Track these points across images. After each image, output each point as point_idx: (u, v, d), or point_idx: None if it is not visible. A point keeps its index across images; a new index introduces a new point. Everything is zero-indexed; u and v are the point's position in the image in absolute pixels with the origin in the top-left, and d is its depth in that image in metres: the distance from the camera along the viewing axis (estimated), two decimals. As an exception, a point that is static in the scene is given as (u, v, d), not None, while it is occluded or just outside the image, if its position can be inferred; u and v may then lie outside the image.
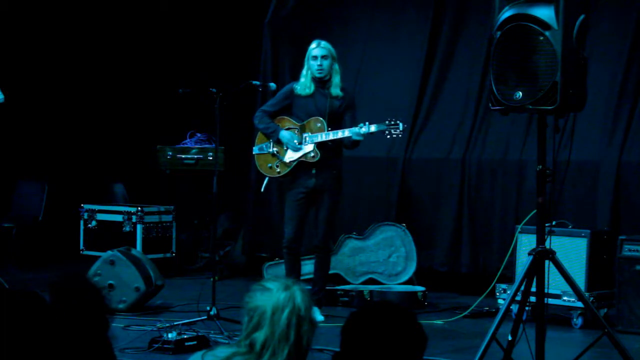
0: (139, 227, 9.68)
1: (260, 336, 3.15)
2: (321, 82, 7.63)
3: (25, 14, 10.62)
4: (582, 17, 5.39)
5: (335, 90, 7.60)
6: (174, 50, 10.90)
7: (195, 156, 10.02)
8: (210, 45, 10.73)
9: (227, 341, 6.63)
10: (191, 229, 10.48)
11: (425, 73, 9.45)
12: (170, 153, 10.11)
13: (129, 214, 9.75)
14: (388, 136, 7.52)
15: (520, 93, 5.37)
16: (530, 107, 5.42)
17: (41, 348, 2.83)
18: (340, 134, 7.50)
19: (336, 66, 7.64)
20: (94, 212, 9.96)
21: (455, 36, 9.39)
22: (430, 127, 9.40)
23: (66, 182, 10.58)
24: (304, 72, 7.68)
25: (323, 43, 7.65)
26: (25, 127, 10.52)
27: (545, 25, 5.29)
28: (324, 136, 7.55)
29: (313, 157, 7.58)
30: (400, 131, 7.50)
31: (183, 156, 10.07)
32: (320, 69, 7.57)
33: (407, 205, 9.31)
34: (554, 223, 6.54)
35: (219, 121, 7.51)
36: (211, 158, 9.81)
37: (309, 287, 7.98)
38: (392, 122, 7.48)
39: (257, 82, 8.13)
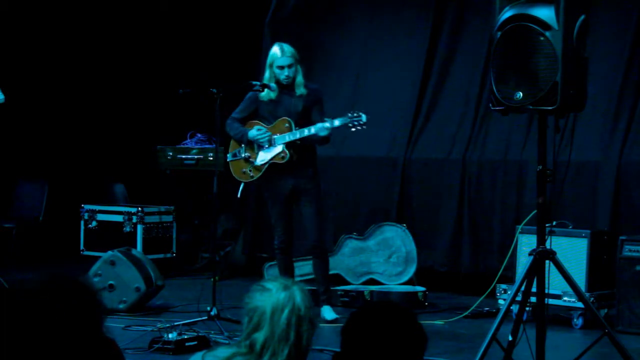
0: (139, 228, 9.68)
1: (260, 336, 3.16)
2: (285, 84, 7.63)
3: (25, 14, 10.62)
4: (582, 17, 5.39)
5: (300, 89, 7.58)
6: (174, 50, 10.90)
7: (196, 156, 10.03)
8: (210, 45, 10.72)
9: (227, 341, 6.63)
10: (191, 229, 10.48)
11: (426, 73, 9.44)
12: (171, 153, 10.11)
13: (130, 214, 9.75)
14: (352, 129, 7.44)
15: (521, 93, 5.37)
16: (531, 107, 5.42)
17: (40, 347, 2.83)
18: (307, 131, 7.48)
19: (298, 67, 7.59)
20: (94, 212, 9.96)
21: (455, 36, 9.39)
22: (431, 127, 9.39)
23: (66, 182, 10.58)
24: (266, 76, 7.61)
25: (286, 49, 7.57)
26: (25, 127, 10.52)
27: (545, 25, 5.29)
28: (291, 136, 7.54)
29: (282, 157, 7.57)
30: (364, 122, 7.39)
31: (183, 156, 10.07)
32: (288, 78, 7.56)
33: (407, 205, 9.31)
34: (554, 223, 6.54)
35: (219, 121, 7.51)
36: (211, 158, 9.81)
37: (309, 287, 7.98)
38: (355, 115, 7.42)
39: (257, 82, 8.12)
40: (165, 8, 10.97)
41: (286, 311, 3.16)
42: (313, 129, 7.45)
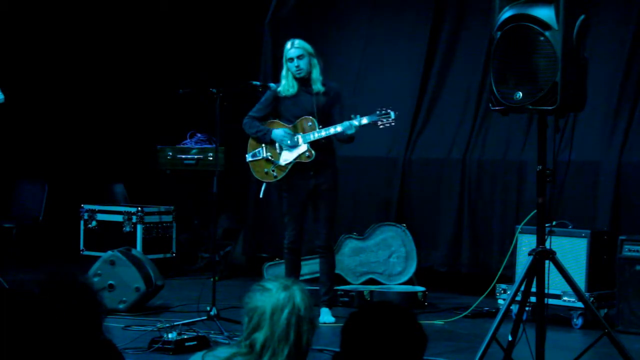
0: (139, 228, 9.68)
1: (260, 337, 3.15)
2: (302, 81, 7.58)
3: (25, 14, 10.62)
4: (582, 17, 5.39)
5: (317, 86, 7.55)
6: (174, 50, 10.90)
7: (196, 156, 10.03)
8: (210, 45, 10.72)
9: (227, 341, 6.63)
10: (191, 229, 10.48)
11: (426, 73, 9.44)
12: (171, 153, 10.11)
13: (129, 214, 9.75)
14: (381, 126, 7.44)
15: (521, 93, 5.37)
16: (531, 107, 5.42)
17: (41, 347, 2.83)
18: (333, 130, 7.45)
19: (314, 61, 7.55)
20: (94, 212, 9.96)
21: (455, 36, 9.39)
22: (431, 127, 9.39)
23: (66, 182, 10.57)
24: (283, 73, 7.60)
25: (297, 42, 7.55)
26: (25, 127, 10.52)
27: (545, 25, 5.29)
28: (316, 134, 7.50)
29: (308, 156, 7.53)
30: (392, 119, 7.39)
31: (183, 156, 10.07)
32: (299, 70, 7.52)
33: (407, 205, 9.31)
34: (554, 223, 6.54)
35: (219, 121, 7.50)
36: (211, 158, 9.81)
37: (310, 287, 7.97)
38: (384, 112, 7.41)
39: (257, 82, 8.12)
40: (165, 8, 10.97)
41: (286, 311, 3.16)
42: (340, 127, 7.41)
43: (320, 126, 7.50)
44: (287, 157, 7.60)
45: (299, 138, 7.53)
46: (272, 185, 7.82)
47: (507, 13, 5.42)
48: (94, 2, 10.88)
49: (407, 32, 9.64)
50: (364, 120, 7.38)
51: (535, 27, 5.31)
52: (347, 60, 9.84)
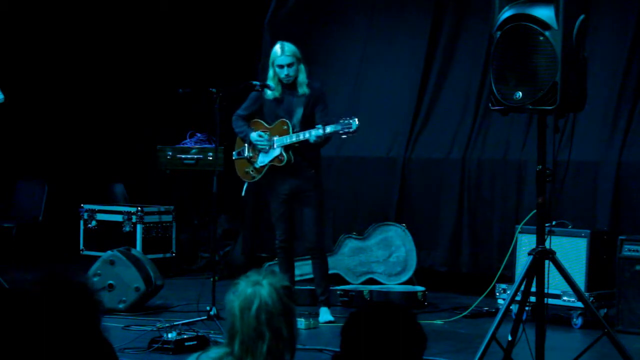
0: (138, 227, 9.68)
1: (237, 339, 3.09)
2: (288, 84, 7.59)
3: (25, 14, 10.63)
4: (582, 17, 5.40)
5: (302, 89, 7.55)
6: (174, 50, 10.90)
7: (195, 156, 10.03)
8: (210, 45, 10.73)
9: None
10: (191, 229, 10.48)
11: (425, 73, 9.44)
12: (170, 153, 10.11)
13: (129, 214, 9.75)
14: (343, 136, 7.40)
15: (520, 93, 5.37)
16: (530, 107, 5.42)
17: (39, 347, 2.83)
18: (302, 136, 7.45)
19: (301, 66, 7.55)
20: (94, 212, 9.96)
21: (455, 36, 9.39)
22: (430, 127, 9.39)
23: (66, 182, 10.58)
24: (270, 74, 7.60)
25: (287, 48, 7.54)
26: (25, 127, 10.53)
27: (545, 25, 5.30)
28: (288, 139, 7.50)
29: (280, 160, 7.54)
30: (354, 130, 7.28)
31: (183, 156, 10.07)
32: (288, 77, 7.52)
33: (407, 205, 9.31)
34: (553, 223, 6.54)
35: (219, 121, 7.51)
36: (211, 158, 9.82)
37: (310, 287, 7.98)
38: (346, 122, 7.35)
39: (257, 82, 8.12)
40: (165, 8, 10.97)
41: (253, 308, 3.07)
42: (307, 134, 7.43)
43: (298, 129, 7.48)
44: (262, 159, 7.65)
45: (274, 142, 7.55)
46: (254, 186, 7.85)
47: (506, 13, 5.42)
48: (94, 2, 10.88)
49: (407, 32, 9.63)
50: (328, 129, 7.33)
51: (535, 26, 5.31)
52: (346, 60, 9.85)
